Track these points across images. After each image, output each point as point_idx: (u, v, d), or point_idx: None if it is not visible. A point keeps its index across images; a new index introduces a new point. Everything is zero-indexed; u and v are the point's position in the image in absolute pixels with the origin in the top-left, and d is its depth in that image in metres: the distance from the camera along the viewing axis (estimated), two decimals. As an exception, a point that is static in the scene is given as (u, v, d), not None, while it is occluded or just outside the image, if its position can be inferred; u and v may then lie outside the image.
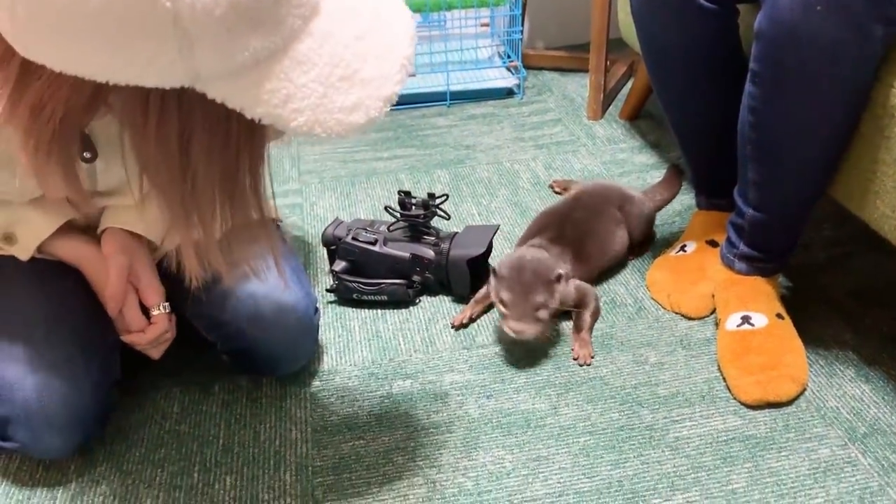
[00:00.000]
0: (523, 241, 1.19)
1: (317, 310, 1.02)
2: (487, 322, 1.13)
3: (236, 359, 1.02)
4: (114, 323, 0.90)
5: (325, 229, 1.21)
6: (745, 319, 1.02)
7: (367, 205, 1.44)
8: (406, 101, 1.80)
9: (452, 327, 1.12)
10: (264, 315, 0.94)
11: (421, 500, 0.87)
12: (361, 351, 1.10)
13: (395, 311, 1.17)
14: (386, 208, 1.19)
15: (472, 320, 1.13)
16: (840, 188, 0.96)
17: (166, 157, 0.55)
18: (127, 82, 0.50)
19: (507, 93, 1.88)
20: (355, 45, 0.55)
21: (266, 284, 0.94)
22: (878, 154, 0.87)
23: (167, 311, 0.91)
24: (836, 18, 0.81)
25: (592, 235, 1.16)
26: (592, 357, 1.05)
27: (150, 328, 0.91)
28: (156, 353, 0.94)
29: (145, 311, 0.91)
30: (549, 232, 1.15)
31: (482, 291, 1.13)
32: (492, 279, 1.05)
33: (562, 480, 0.88)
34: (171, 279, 0.92)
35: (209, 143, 0.55)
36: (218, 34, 0.48)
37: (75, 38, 0.48)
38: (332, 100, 0.54)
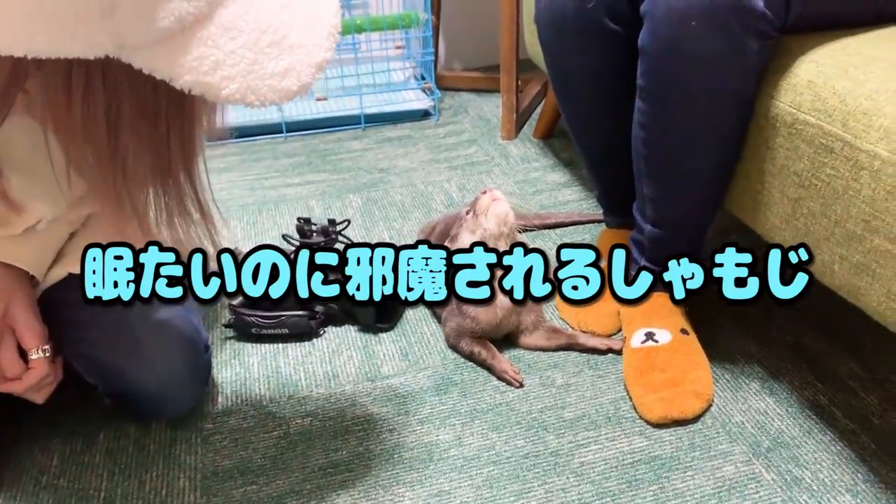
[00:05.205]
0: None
1: (208, 347, 0.97)
2: (394, 351, 1.10)
3: (120, 401, 0.95)
4: None
5: (223, 261, 1.16)
6: (649, 336, 1.01)
7: (273, 233, 1.39)
8: (320, 125, 1.76)
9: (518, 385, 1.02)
10: (147, 354, 0.88)
11: (314, 546, 0.82)
12: (259, 389, 1.04)
13: (298, 344, 1.12)
14: (283, 237, 1.15)
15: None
16: (734, 201, 0.96)
17: (94, 139, 0.53)
18: (49, 54, 0.47)
19: (424, 115, 1.86)
20: (281, 13, 0.54)
21: (149, 320, 0.88)
22: (764, 165, 0.87)
23: (48, 354, 0.84)
24: (712, 34, 0.80)
25: None
26: None
27: (27, 374, 0.83)
28: (39, 398, 0.87)
29: (24, 354, 0.84)
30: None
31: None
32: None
33: (463, 516, 0.85)
34: (53, 318, 0.86)
35: (138, 121, 0.53)
36: None
37: None
38: (262, 66, 0.52)
